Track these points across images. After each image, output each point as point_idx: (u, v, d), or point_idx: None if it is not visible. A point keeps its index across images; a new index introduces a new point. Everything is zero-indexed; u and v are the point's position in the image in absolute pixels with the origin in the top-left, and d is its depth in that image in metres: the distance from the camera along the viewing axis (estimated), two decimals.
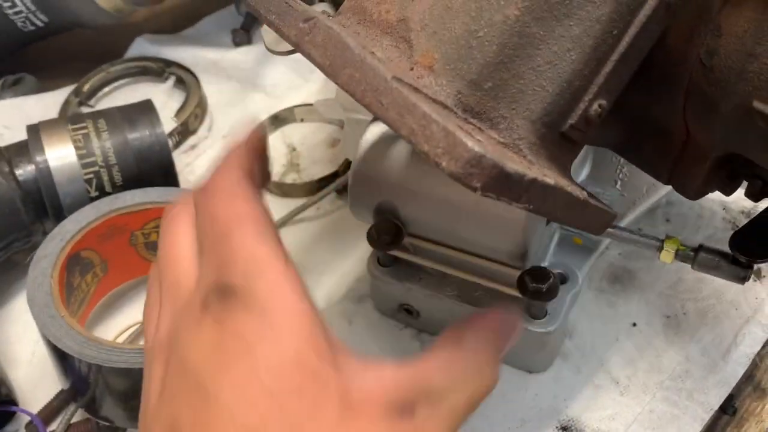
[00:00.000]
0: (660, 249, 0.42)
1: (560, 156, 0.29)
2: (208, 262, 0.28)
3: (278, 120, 0.64)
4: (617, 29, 0.27)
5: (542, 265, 0.47)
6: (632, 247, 0.52)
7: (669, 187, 0.50)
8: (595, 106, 0.28)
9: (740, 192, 0.53)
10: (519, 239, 0.41)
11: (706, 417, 0.44)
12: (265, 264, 0.27)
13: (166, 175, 0.54)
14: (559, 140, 0.29)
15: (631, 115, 0.36)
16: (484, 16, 0.27)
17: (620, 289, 0.50)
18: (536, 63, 0.27)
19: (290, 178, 0.60)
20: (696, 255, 0.41)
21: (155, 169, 0.54)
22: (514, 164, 0.25)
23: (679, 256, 0.42)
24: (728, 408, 0.48)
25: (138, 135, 0.54)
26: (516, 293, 0.42)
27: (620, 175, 0.51)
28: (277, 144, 0.64)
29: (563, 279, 0.46)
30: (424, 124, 0.24)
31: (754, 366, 0.50)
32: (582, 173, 0.51)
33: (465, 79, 0.27)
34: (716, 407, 0.45)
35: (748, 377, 0.49)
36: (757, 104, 0.30)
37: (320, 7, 0.41)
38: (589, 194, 0.34)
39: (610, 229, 0.44)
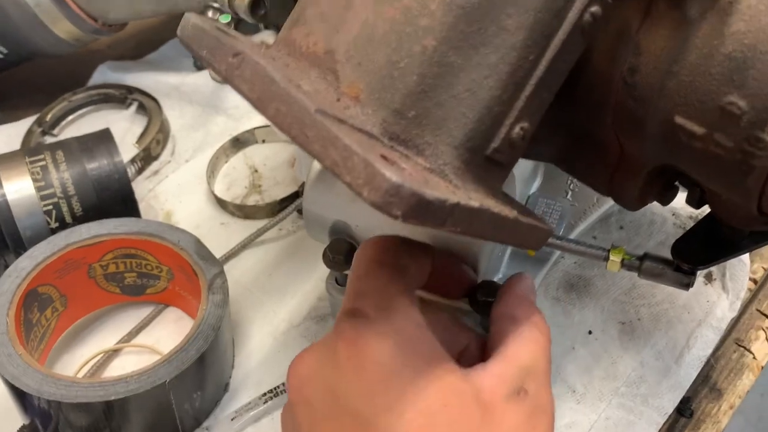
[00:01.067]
0: (606, 259, 0.43)
1: (488, 178, 0.30)
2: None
3: (239, 142, 0.65)
4: (533, 54, 0.28)
5: (497, 277, 0.48)
6: None
7: None
8: (517, 129, 0.29)
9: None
10: (471, 254, 0.42)
11: (661, 421, 0.45)
12: (393, 297, 0.31)
13: (125, 203, 0.54)
14: (484, 163, 0.29)
15: (567, 132, 0.37)
16: (403, 47, 0.28)
17: (576, 298, 0.51)
18: (456, 91, 0.28)
19: (252, 200, 0.61)
20: (641, 264, 0.42)
21: (115, 198, 0.54)
22: (436, 191, 0.26)
23: (625, 265, 0.42)
24: (685, 410, 0.49)
25: (96, 164, 0.54)
26: (468, 307, 0.43)
27: (571, 186, 0.52)
28: (239, 166, 0.64)
29: None
30: (346, 155, 0.25)
31: (710, 368, 0.51)
32: (533, 185, 0.52)
33: (389, 108, 0.28)
34: (671, 411, 0.46)
35: (704, 379, 0.50)
36: (679, 119, 0.31)
37: (260, 37, 0.42)
38: (525, 212, 0.35)
39: (557, 241, 0.44)
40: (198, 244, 0.49)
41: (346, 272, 0.46)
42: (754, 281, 0.53)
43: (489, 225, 0.29)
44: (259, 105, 0.28)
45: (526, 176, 0.51)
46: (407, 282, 0.33)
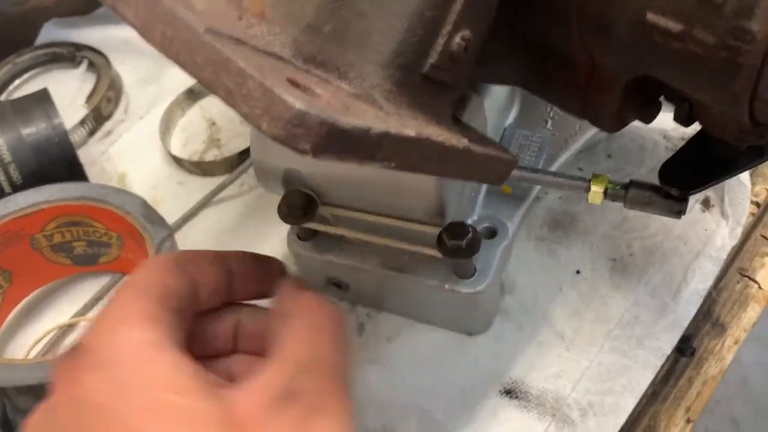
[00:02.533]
0: (587, 190, 0.38)
1: (429, 102, 0.26)
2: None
3: (194, 94, 0.60)
4: None
5: (471, 219, 0.44)
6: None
7: None
8: (458, 39, 0.24)
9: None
10: (433, 194, 0.38)
11: (659, 363, 0.41)
12: (121, 322, 0.27)
13: (70, 168, 0.50)
14: (422, 84, 0.25)
15: (531, 48, 0.32)
16: None
17: (562, 236, 0.47)
18: None
19: (211, 155, 0.56)
20: (626, 192, 0.38)
21: (57, 163, 0.50)
22: (359, 118, 0.21)
23: (609, 195, 0.38)
24: (686, 349, 0.45)
25: (34, 129, 0.50)
26: (438, 254, 0.39)
27: (551, 114, 0.47)
28: (195, 120, 0.60)
29: (492, 232, 0.43)
30: (240, 81, 0.21)
31: (711, 301, 0.46)
32: (509, 116, 0.48)
33: (301, 24, 0.24)
34: (669, 352, 0.42)
35: (706, 314, 0.46)
36: (652, 16, 0.26)
37: None
38: (483, 141, 0.30)
39: (532, 174, 0.40)
40: (145, 206, 0.45)
41: (307, 225, 0.42)
42: (757, 204, 0.48)
43: (432, 158, 0.25)
44: (144, 32, 0.24)
45: (499, 106, 0.46)
46: (160, 298, 0.28)
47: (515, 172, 0.41)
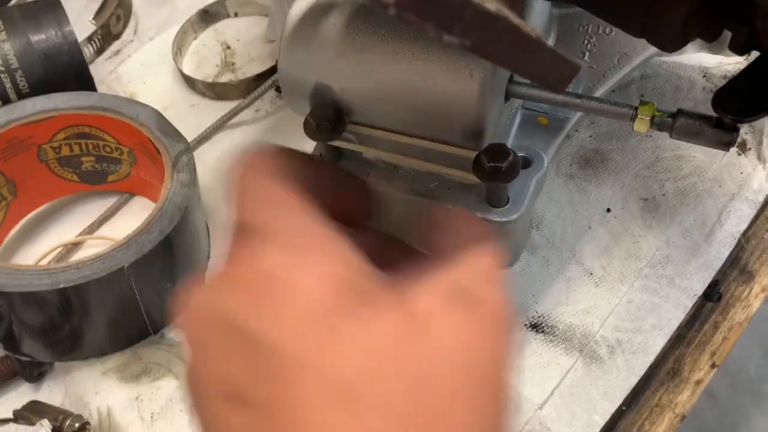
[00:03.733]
0: (633, 117, 0.37)
1: None
2: (234, 222, 0.26)
3: (209, 15, 0.57)
4: None
5: None
6: (604, 127, 0.47)
7: (644, 56, 0.45)
8: None
9: (721, 58, 0.48)
10: (473, 113, 0.36)
11: (690, 304, 0.40)
12: (287, 204, 0.25)
13: (79, 78, 0.48)
14: None
15: None
16: None
17: (592, 174, 0.45)
18: None
19: (225, 78, 0.54)
20: (674, 121, 0.36)
21: (66, 73, 0.47)
22: None
23: (656, 123, 0.36)
24: (713, 294, 0.44)
25: (43, 36, 0.47)
26: (473, 179, 0.37)
27: (588, 47, 0.45)
28: (209, 43, 0.57)
29: (526, 162, 0.41)
30: None
31: (740, 248, 0.45)
32: None
33: None
34: (700, 292, 0.41)
35: (734, 260, 0.45)
36: None
37: None
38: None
39: (576, 100, 0.38)
40: (160, 118, 0.43)
41: (335, 143, 0.40)
42: None
43: (507, 42, 0.23)
44: None
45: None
46: (301, 188, 0.26)
47: (559, 97, 0.39)
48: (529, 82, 0.40)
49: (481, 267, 0.26)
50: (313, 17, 0.37)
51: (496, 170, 0.36)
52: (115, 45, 0.58)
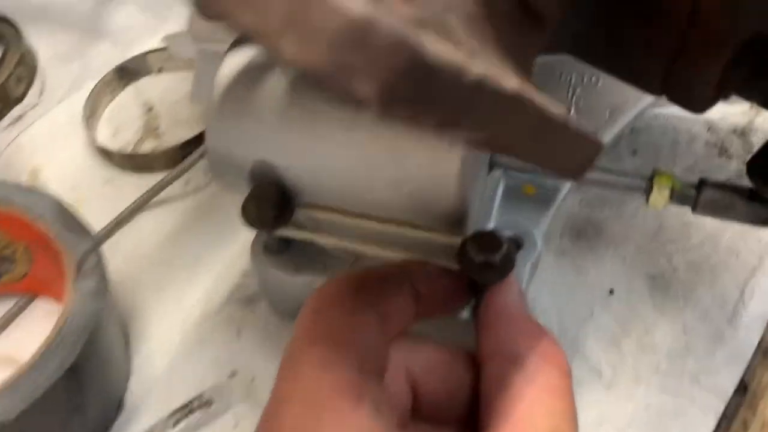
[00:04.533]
0: (648, 190, 0.30)
1: (519, 43, 0.17)
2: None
3: (128, 73, 0.49)
4: None
5: (488, 227, 0.35)
6: (594, 190, 0.41)
7: (639, 107, 0.39)
8: None
9: (727, 107, 0.42)
10: (453, 191, 0.29)
11: (721, 406, 0.33)
12: (322, 408, 0.21)
13: None
14: (516, 13, 0.16)
15: None
16: None
17: (587, 248, 0.38)
18: None
19: (147, 147, 0.46)
20: (699, 194, 0.29)
21: None
22: (442, 46, 0.12)
23: (677, 197, 0.30)
24: (738, 386, 0.37)
25: None
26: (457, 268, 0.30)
27: (574, 100, 0.39)
28: (128, 104, 0.49)
29: (517, 244, 0.34)
30: None
31: (766, 329, 0.39)
32: None
33: None
34: (731, 391, 0.34)
35: (758, 344, 0.39)
36: None
37: None
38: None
39: None
40: (61, 209, 0.35)
41: (279, 234, 0.33)
42: None
43: (526, 129, 0.16)
44: None
45: None
46: (358, 357, 0.22)
47: None
48: None
49: (544, 426, 0.21)
50: (249, 79, 0.30)
51: (488, 266, 0.28)
52: (16, 110, 0.49)
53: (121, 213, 0.41)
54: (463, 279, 0.28)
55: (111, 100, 0.49)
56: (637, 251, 0.38)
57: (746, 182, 0.29)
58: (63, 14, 0.54)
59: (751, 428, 0.36)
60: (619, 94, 0.39)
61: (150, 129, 0.47)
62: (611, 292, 0.37)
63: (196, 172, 0.44)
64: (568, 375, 0.24)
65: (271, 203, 0.31)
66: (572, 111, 0.39)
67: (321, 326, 0.24)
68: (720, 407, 0.33)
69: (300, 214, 0.32)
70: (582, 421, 0.32)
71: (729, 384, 0.34)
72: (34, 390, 0.28)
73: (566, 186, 0.36)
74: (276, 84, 0.30)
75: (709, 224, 0.38)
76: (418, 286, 0.26)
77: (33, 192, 0.35)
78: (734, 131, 0.41)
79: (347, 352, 0.23)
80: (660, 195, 0.30)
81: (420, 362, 0.26)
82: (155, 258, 0.41)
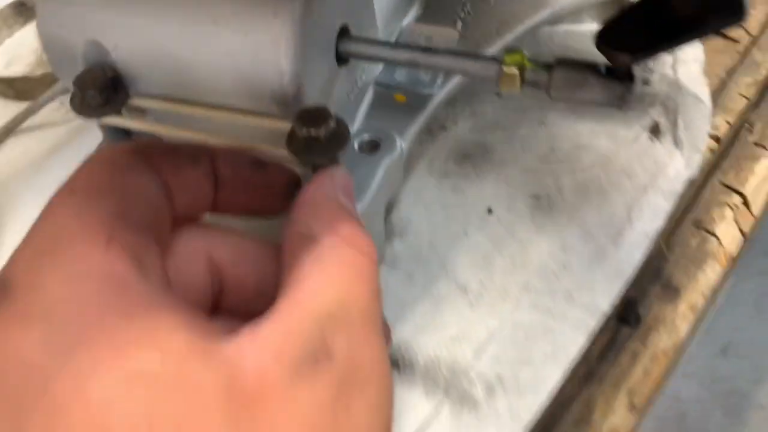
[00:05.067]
0: (499, 74, 0.28)
1: None
2: None
3: (26, 9, 0.48)
4: None
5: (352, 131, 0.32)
6: (489, 117, 0.38)
7: (528, 24, 0.37)
8: None
9: None
10: (280, 68, 0.26)
11: (594, 324, 0.30)
12: (63, 252, 0.19)
13: None
14: None
15: None
16: None
17: (471, 170, 0.36)
18: None
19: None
20: (551, 73, 0.27)
21: None
22: None
23: (530, 79, 0.27)
24: (630, 316, 0.34)
25: None
26: (291, 158, 0.28)
27: (462, 14, 0.37)
28: (25, 41, 0.47)
29: (374, 145, 0.31)
30: None
31: (662, 259, 0.36)
32: (408, 15, 0.37)
33: None
34: (607, 309, 0.31)
35: (654, 274, 0.36)
36: None
37: None
38: None
39: (424, 55, 0.29)
40: None
41: (114, 122, 0.30)
42: (716, 139, 0.38)
43: None
44: None
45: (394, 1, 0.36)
46: (119, 207, 0.20)
47: (402, 53, 0.30)
48: (365, 38, 0.31)
49: (324, 299, 0.19)
50: None
51: (314, 140, 0.26)
52: None
53: None
54: (283, 177, 0.26)
55: (8, 36, 0.48)
56: (522, 172, 0.35)
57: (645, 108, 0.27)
58: None
59: (640, 360, 0.33)
60: (508, 12, 0.37)
61: (42, 62, 0.45)
62: (489, 211, 0.34)
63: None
64: (368, 258, 0.21)
65: (99, 88, 0.29)
66: (459, 25, 0.37)
67: (86, 177, 0.21)
68: (592, 324, 0.30)
69: (134, 104, 0.29)
70: (439, 336, 0.30)
71: (605, 302, 0.31)
72: None
73: (439, 95, 0.34)
74: None
75: (603, 146, 0.36)
76: (220, 170, 0.23)
77: None
78: None
79: (107, 201, 0.20)
80: (510, 77, 0.27)
81: (226, 252, 0.23)
82: (25, 180, 0.39)
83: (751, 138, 0.41)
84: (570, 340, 0.30)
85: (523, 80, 0.27)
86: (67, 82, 0.31)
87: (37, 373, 0.17)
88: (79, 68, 0.29)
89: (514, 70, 0.27)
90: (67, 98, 0.42)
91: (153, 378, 0.17)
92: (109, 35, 0.28)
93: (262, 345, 0.18)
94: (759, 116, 0.42)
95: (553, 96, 0.27)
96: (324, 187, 0.24)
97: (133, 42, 0.28)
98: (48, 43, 0.30)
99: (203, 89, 0.28)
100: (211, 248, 0.23)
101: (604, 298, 0.31)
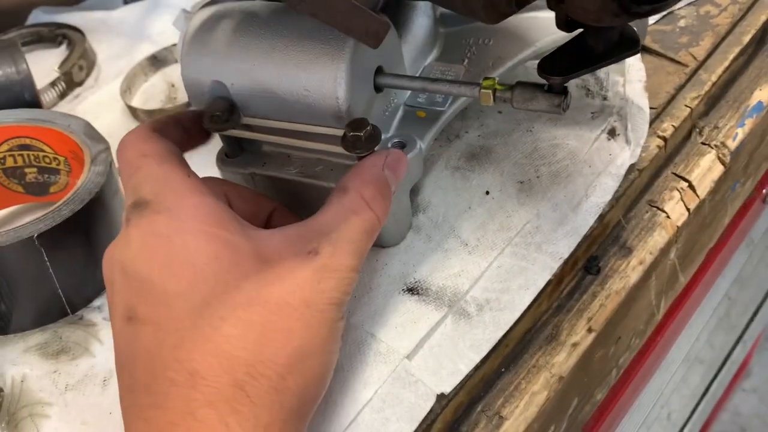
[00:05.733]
0: (479, 92, 0.41)
1: None
2: (126, 194, 0.37)
3: (157, 61, 0.65)
4: None
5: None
6: (492, 127, 0.52)
7: (516, 60, 0.50)
8: None
9: None
10: (336, 95, 0.41)
11: (555, 266, 0.43)
12: (167, 179, 0.35)
13: (30, 107, 0.54)
14: None
15: None
16: None
17: (476, 165, 0.49)
18: None
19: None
20: (513, 91, 0.41)
21: (19, 105, 0.54)
22: None
23: (498, 97, 0.41)
24: (592, 268, 0.47)
25: (0, 72, 0.55)
26: (352, 159, 0.42)
27: (468, 54, 0.51)
28: (158, 84, 0.64)
29: (402, 145, 0.45)
30: None
31: (620, 228, 0.49)
32: (430, 56, 0.51)
33: None
34: (566, 256, 0.44)
35: (614, 239, 0.48)
36: None
37: None
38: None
39: (431, 84, 0.43)
40: (88, 126, 0.49)
41: (229, 132, 0.45)
42: (663, 138, 0.51)
43: (335, 9, 0.29)
44: None
45: (419, 44, 0.50)
46: (178, 158, 0.38)
47: (416, 83, 0.44)
48: (394, 74, 0.45)
49: (328, 223, 0.35)
50: (208, 25, 0.44)
51: (357, 138, 0.40)
52: (77, 90, 0.65)
53: None
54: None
55: (145, 81, 0.65)
56: (513, 165, 0.49)
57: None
58: (118, 24, 0.71)
59: (598, 297, 0.46)
60: (502, 50, 0.50)
61: (170, 99, 0.62)
62: (487, 193, 0.47)
63: None
64: (373, 215, 0.36)
65: (221, 109, 0.44)
66: (465, 62, 0.51)
67: (136, 148, 0.38)
68: (554, 266, 0.43)
69: (245, 122, 0.45)
70: (446, 273, 0.44)
71: (565, 251, 0.44)
72: (52, 221, 0.42)
73: (449, 110, 0.48)
74: (224, 28, 0.43)
75: (572, 145, 0.49)
76: (185, 124, 0.42)
77: (69, 116, 0.50)
78: (592, 74, 0.51)
79: (170, 156, 0.38)
80: (485, 94, 0.41)
81: (233, 193, 0.41)
82: None
83: (700, 139, 0.53)
84: (538, 276, 0.43)
85: (494, 97, 0.41)
86: (198, 107, 0.46)
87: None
88: (206, 98, 0.45)
89: (488, 91, 0.41)
90: None
91: (222, 243, 0.33)
92: (227, 77, 0.44)
93: (281, 237, 0.35)
94: (707, 122, 0.54)
95: (515, 106, 0.41)
96: (372, 159, 0.39)
97: (243, 81, 0.43)
98: (188, 82, 0.45)
99: (288, 111, 0.43)
100: (226, 190, 0.40)
101: (565, 249, 0.44)
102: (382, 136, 0.46)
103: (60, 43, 0.71)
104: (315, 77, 0.42)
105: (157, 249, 0.33)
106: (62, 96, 0.64)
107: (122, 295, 0.33)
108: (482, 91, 0.41)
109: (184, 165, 0.38)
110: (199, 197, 0.35)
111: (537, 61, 0.40)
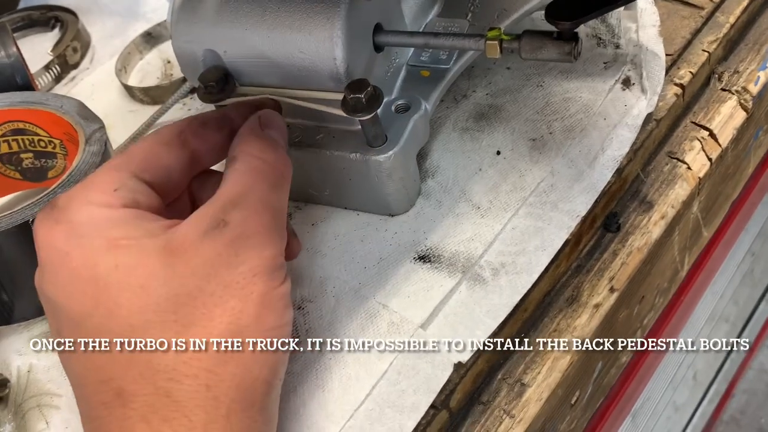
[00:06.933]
0: (484, 46, 0.39)
1: None
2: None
3: (152, 38, 0.63)
4: None
5: (388, 98, 0.44)
6: (500, 84, 0.50)
7: (521, 11, 0.48)
8: None
9: None
10: (334, 55, 0.39)
11: (573, 224, 0.41)
12: (85, 188, 0.32)
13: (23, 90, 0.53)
14: None
15: None
16: None
17: (485, 125, 0.47)
18: None
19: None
20: (520, 41, 0.38)
21: (11, 88, 0.53)
22: None
23: (505, 46, 0.39)
24: (611, 225, 0.45)
25: None
26: (354, 124, 0.40)
27: (472, 8, 0.49)
28: (153, 61, 0.62)
29: (406, 107, 0.43)
30: None
31: (640, 182, 0.47)
32: (431, 12, 0.49)
33: None
34: (584, 213, 0.42)
35: (634, 193, 0.46)
36: None
37: None
38: None
39: (434, 39, 0.41)
40: (81, 106, 0.47)
41: (224, 103, 0.44)
42: (681, 86, 0.48)
43: None
44: None
45: (419, 1, 0.48)
46: (136, 168, 0.34)
47: (418, 39, 0.42)
48: (393, 30, 0.43)
49: (230, 192, 0.32)
50: None
51: (357, 101, 0.38)
52: (72, 73, 0.64)
53: (136, 130, 0.54)
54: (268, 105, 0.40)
55: (140, 59, 0.63)
56: (523, 122, 0.46)
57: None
58: (111, 4, 0.69)
59: (620, 255, 0.44)
60: (506, 2, 0.48)
61: (166, 75, 0.60)
62: (498, 153, 0.45)
63: (195, 99, 0.56)
64: (270, 165, 0.34)
65: (215, 79, 0.42)
66: (469, 16, 0.48)
67: (138, 148, 0.35)
68: (571, 225, 0.41)
69: (240, 91, 0.43)
70: (458, 239, 0.42)
71: (582, 208, 0.41)
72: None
73: (454, 68, 0.46)
74: None
75: (585, 97, 0.46)
76: (235, 124, 0.37)
77: (62, 97, 0.48)
78: (602, 20, 0.49)
79: (133, 165, 0.34)
80: (492, 45, 0.39)
81: (147, 163, 0.35)
82: None
83: (719, 85, 0.50)
84: (555, 236, 0.41)
85: (501, 48, 0.39)
86: (192, 80, 0.44)
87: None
88: (200, 69, 0.43)
89: (494, 42, 0.39)
90: (187, 100, 0.56)
91: (127, 245, 0.31)
92: (219, 44, 0.42)
93: (188, 223, 0.31)
94: (726, 67, 0.51)
95: (523, 57, 0.39)
96: (249, 124, 0.36)
97: (236, 47, 0.41)
98: (179, 53, 0.43)
99: (285, 76, 0.41)
100: (138, 169, 0.35)
101: (582, 206, 0.42)
102: (384, 99, 0.44)
103: (53, 26, 0.69)
104: (310, 38, 0.39)
105: (52, 265, 0.31)
106: (58, 79, 0.63)
107: (50, 322, 0.33)
108: (488, 42, 0.39)
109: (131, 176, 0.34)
110: (104, 209, 0.32)
111: (544, 11, 0.37)
